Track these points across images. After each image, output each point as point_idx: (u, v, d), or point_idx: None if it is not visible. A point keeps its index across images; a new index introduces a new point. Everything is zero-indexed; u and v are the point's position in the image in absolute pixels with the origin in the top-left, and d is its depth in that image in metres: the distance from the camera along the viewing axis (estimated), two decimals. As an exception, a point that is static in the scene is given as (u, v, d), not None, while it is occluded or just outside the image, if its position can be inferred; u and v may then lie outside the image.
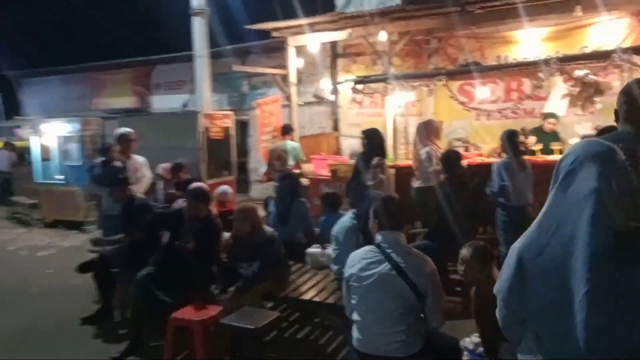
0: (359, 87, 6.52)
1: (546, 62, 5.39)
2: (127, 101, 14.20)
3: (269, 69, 10.19)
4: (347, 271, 2.92)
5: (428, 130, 5.94)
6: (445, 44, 9.21)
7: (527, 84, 8.51)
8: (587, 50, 7.19)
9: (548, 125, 6.94)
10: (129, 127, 6.31)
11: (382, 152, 5.34)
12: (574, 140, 6.71)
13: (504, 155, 5.12)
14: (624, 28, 7.76)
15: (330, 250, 4.26)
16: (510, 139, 4.95)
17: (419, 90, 8.72)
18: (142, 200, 5.31)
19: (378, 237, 2.91)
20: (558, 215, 1.47)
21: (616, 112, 2.19)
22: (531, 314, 1.53)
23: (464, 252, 3.06)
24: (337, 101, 10.34)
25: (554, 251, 1.45)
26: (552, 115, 6.89)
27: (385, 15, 7.17)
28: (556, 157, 6.05)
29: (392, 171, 6.61)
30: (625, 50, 4.74)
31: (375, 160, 5.16)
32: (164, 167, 6.52)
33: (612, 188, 1.39)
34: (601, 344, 1.36)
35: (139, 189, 5.75)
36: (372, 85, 7.22)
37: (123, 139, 6.08)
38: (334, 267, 4.08)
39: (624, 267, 1.36)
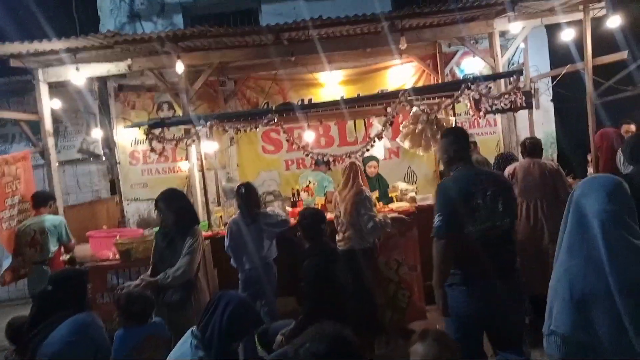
0: (156, 131, 4.74)
1: (394, 94, 4.68)
2: None
3: (11, 112, 7.48)
4: None
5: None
6: (242, 86, 8.15)
7: (335, 129, 8.07)
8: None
9: (370, 169, 6.41)
10: None
11: (189, 219, 3.70)
12: (401, 184, 6.32)
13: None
14: (412, 69, 8.03)
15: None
16: (240, 192, 4.60)
17: (218, 139, 7.40)
18: None
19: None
20: None
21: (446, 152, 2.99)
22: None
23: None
24: (116, 156, 8.17)
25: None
26: (372, 159, 6.33)
27: (180, 40, 5.61)
28: (402, 204, 5.36)
29: (207, 242, 5.02)
30: (411, 90, 4.44)
31: (190, 233, 3.55)
32: None
33: None
34: None
35: None
36: (171, 130, 5.55)
37: None
38: None
39: None
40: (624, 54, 5.85)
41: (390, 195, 5.62)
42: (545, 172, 4.41)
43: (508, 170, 4.57)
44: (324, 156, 4.90)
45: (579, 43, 5.95)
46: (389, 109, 4.63)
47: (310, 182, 6.79)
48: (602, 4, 5.60)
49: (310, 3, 8.05)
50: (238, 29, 5.49)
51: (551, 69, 7.71)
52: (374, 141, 4.82)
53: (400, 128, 5.17)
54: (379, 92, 7.43)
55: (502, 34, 6.94)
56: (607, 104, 6.47)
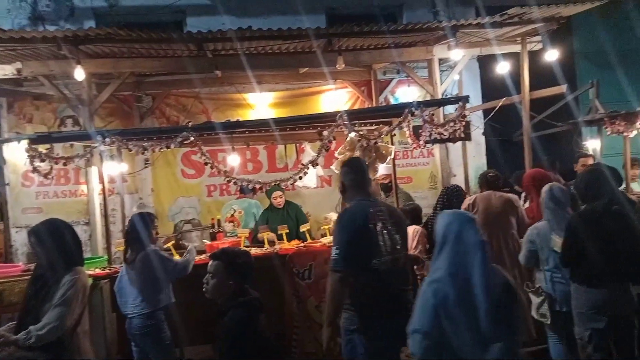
0: (43, 148, 3.82)
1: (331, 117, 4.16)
2: None
3: None
4: None
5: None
6: (161, 102, 7.36)
7: (264, 154, 7.47)
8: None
9: (276, 200, 5.77)
10: None
11: (67, 260, 2.87)
12: (333, 215, 5.78)
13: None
14: (346, 95, 7.72)
15: None
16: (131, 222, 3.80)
17: (131, 161, 6.54)
18: None
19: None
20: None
21: (343, 184, 3.02)
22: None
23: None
24: (4, 176, 6.98)
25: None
26: (276, 188, 5.59)
27: (82, 42, 4.77)
28: (326, 240, 4.78)
29: (106, 281, 4.18)
30: (349, 113, 4.00)
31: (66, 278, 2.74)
32: None
33: None
34: None
35: None
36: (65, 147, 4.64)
37: None
38: None
39: None
40: (562, 88, 5.82)
41: (302, 231, 5.00)
42: (506, 205, 4.34)
43: (468, 201, 4.45)
44: (249, 183, 4.27)
45: (512, 77, 5.88)
46: (324, 133, 4.12)
47: (235, 211, 6.11)
48: (539, 37, 5.55)
49: (242, 19, 7.50)
50: (153, 34, 4.78)
51: (483, 102, 7.68)
52: (307, 168, 4.30)
53: (336, 154, 4.69)
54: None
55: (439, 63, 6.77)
56: (540, 137, 6.43)
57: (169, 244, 4.86)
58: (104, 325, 4.35)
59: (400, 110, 4.12)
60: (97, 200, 4.96)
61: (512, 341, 2.20)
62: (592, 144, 6.64)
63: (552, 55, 5.43)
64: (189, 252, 4.03)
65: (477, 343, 2.13)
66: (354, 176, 2.99)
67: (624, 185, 5.00)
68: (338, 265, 2.76)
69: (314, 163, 4.13)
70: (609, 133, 6.00)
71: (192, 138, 3.88)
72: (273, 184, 4.47)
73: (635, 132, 5.66)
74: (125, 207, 6.18)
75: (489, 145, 8.14)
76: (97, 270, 4.40)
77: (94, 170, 4.88)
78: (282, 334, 4.38)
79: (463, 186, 6.85)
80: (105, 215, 4.76)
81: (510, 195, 4.52)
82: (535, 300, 3.70)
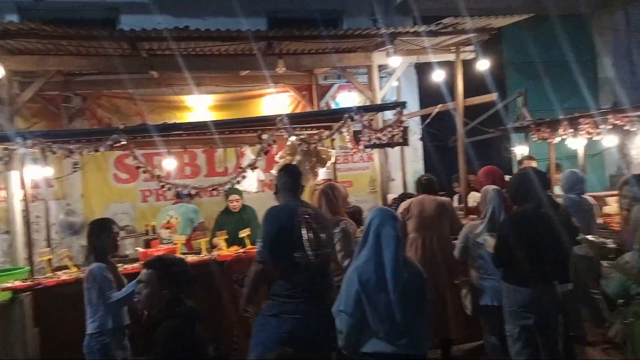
0: None
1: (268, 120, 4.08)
2: None
3: None
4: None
5: (337, 198, 3.91)
6: (93, 103, 6.99)
7: (203, 157, 7.27)
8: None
9: (232, 204, 5.77)
10: None
11: None
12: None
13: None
14: (288, 99, 7.69)
15: None
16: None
17: (58, 165, 6.14)
18: None
19: None
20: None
21: (276, 186, 3.26)
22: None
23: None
24: None
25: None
26: (234, 192, 5.61)
27: (3, 36, 4.41)
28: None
29: (27, 294, 3.88)
30: (289, 116, 3.99)
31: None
32: None
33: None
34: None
35: None
36: None
37: None
38: None
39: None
40: (492, 96, 6.09)
41: (241, 236, 4.87)
42: (439, 208, 4.44)
43: (403, 205, 4.54)
44: (185, 188, 4.12)
45: (447, 84, 6.09)
46: (264, 136, 4.06)
47: (171, 217, 5.90)
48: (472, 47, 5.78)
49: (180, 19, 7.26)
50: (82, 31, 4.52)
51: (420, 109, 7.90)
52: (246, 171, 4.21)
53: (277, 158, 4.63)
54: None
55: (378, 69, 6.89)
56: (473, 143, 6.70)
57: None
58: (25, 341, 4.05)
59: (340, 115, 4.14)
60: (18, 207, 4.60)
61: (421, 332, 2.51)
62: (520, 150, 7.00)
63: (483, 65, 5.67)
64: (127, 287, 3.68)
65: (391, 329, 2.42)
66: (288, 179, 3.21)
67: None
68: (261, 256, 3.03)
69: (252, 166, 4.05)
70: (535, 139, 6.37)
71: (123, 141, 3.68)
72: (228, 187, 4.35)
73: (558, 139, 6.02)
74: (51, 214, 5.80)
75: (426, 150, 8.39)
76: (17, 283, 4.07)
77: (14, 175, 4.52)
78: (220, 342, 4.26)
79: (401, 190, 7.01)
80: (27, 223, 4.42)
81: (443, 199, 4.66)
82: (463, 292, 3.93)
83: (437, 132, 7.75)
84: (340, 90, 7.86)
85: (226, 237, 4.95)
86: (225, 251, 4.65)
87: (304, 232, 2.99)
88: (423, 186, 4.65)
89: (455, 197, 6.43)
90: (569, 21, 8.94)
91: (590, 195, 4.77)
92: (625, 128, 5.24)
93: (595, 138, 5.54)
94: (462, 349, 4.62)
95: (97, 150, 3.66)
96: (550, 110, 7.76)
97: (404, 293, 2.44)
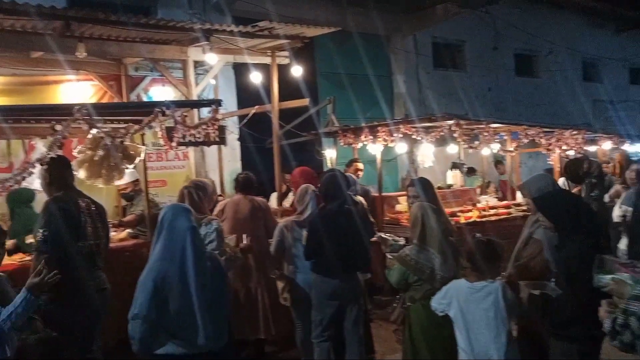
0: None
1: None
2: None
3: None
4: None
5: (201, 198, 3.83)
6: None
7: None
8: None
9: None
10: None
11: None
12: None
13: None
14: (92, 89, 6.98)
15: None
16: None
17: None
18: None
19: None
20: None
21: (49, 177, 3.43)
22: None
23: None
24: None
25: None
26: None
27: None
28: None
29: None
30: (91, 106, 3.66)
31: None
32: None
33: None
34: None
35: None
36: None
37: None
38: None
39: None
40: (305, 101, 6.41)
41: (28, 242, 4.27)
42: (254, 209, 4.48)
43: (219, 207, 4.48)
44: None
45: (265, 87, 6.22)
46: (58, 127, 3.56)
47: None
48: (287, 53, 6.01)
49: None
50: None
51: (238, 109, 7.92)
52: (34, 167, 3.62)
53: (75, 153, 4.08)
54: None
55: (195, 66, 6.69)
56: (289, 145, 6.98)
57: None
58: None
59: (151, 108, 3.87)
60: None
61: (220, 326, 2.50)
62: (330, 153, 7.54)
63: (297, 71, 5.93)
64: None
65: (191, 326, 2.37)
66: (56, 172, 3.42)
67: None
68: (44, 247, 3.14)
69: (42, 161, 3.50)
70: (342, 144, 6.94)
71: None
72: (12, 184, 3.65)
73: (361, 144, 6.67)
74: None
75: (244, 151, 8.45)
76: None
77: None
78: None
79: (218, 190, 6.91)
80: None
81: (259, 199, 4.73)
82: (279, 286, 4.07)
83: (255, 133, 7.86)
84: (153, 84, 7.40)
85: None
86: (6, 259, 3.94)
87: (84, 221, 3.19)
88: (239, 183, 4.67)
89: (273, 196, 6.57)
90: (371, 40, 10.01)
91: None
92: (414, 137, 6.07)
93: (390, 145, 6.27)
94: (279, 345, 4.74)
95: None
96: (355, 118, 8.55)
97: (205, 285, 2.42)
